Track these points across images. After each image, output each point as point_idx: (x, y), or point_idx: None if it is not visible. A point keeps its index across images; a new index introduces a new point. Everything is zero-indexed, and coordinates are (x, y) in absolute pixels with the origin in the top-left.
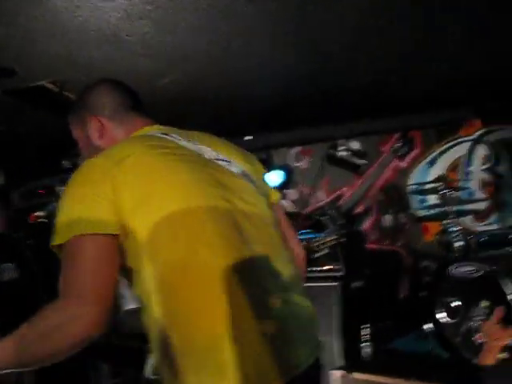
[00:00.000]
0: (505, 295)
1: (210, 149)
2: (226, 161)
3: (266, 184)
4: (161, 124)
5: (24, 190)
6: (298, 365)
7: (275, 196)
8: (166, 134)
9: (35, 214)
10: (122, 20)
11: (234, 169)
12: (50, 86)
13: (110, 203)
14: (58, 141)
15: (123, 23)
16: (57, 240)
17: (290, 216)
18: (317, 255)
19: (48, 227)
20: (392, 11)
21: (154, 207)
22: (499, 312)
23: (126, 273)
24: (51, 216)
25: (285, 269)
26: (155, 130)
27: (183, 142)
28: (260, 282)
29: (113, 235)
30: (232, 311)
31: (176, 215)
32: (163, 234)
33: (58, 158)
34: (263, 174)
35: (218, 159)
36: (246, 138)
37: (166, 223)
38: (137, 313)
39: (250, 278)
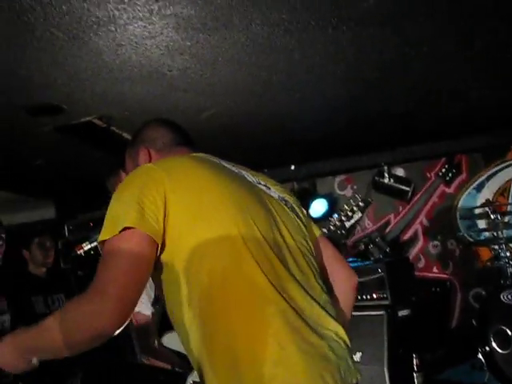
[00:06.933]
0: None
1: (250, 175)
2: (265, 186)
3: (307, 216)
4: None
5: (75, 223)
6: None
7: (316, 230)
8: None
9: (82, 245)
10: (163, 56)
11: (273, 194)
12: (98, 121)
13: (158, 210)
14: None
15: (165, 59)
16: (102, 237)
17: (336, 245)
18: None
19: (94, 258)
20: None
21: (202, 224)
22: None
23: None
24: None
25: (318, 296)
26: (202, 155)
27: (227, 165)
28: (297, 304)
29: (154, 241)
30: (272, 331)
31: (221, 235)
32: (208, 251)
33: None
34: (301, 207)
35: (259, 183)
36: (292, 167)
37: (212, 241)
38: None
39: (288, 299)
